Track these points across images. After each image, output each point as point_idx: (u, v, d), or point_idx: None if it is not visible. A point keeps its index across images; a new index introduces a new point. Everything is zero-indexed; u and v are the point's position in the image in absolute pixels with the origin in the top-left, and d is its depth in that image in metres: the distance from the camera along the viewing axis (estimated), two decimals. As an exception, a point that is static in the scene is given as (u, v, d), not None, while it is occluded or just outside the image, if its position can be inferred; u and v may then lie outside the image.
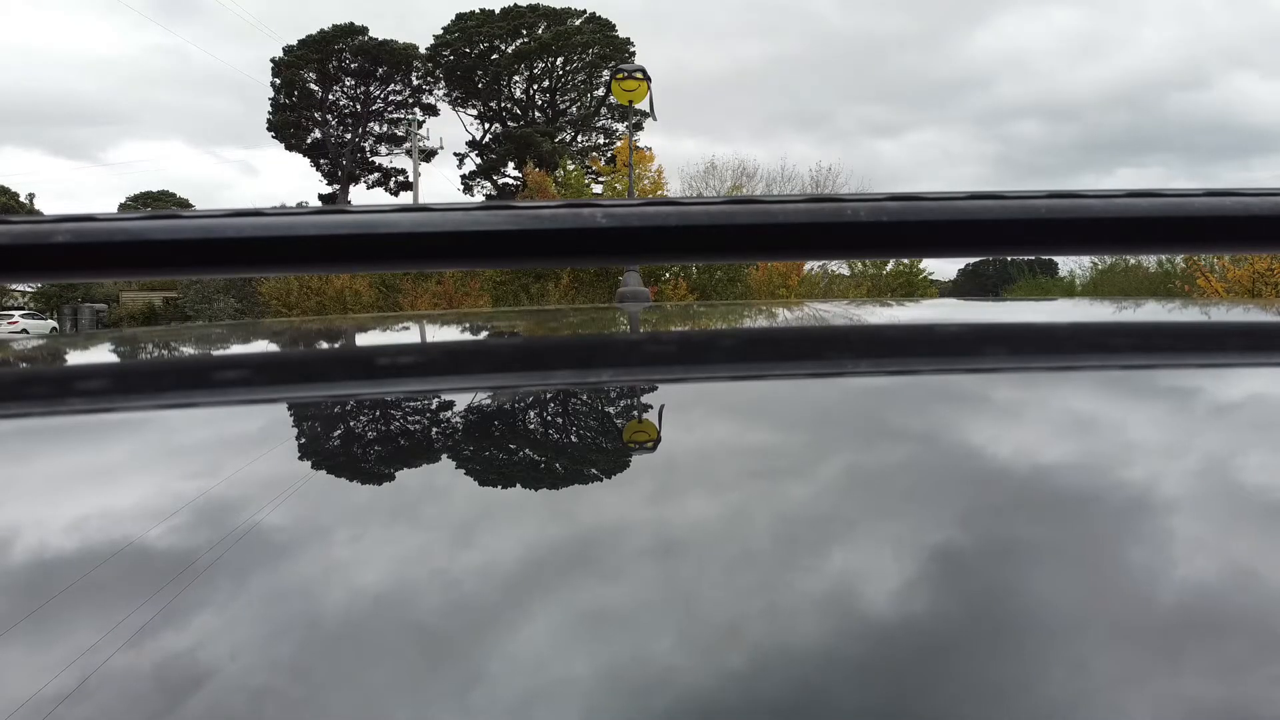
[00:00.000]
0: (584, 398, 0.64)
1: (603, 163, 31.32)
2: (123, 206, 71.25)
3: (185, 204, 70.76)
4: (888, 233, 0.59)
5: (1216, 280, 14.93)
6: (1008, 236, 0.60)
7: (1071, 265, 27.80)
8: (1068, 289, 25.30)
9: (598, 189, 27.05)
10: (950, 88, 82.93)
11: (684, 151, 67.57)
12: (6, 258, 0.55)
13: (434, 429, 0.58)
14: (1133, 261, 22.07)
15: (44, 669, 0.30)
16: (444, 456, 0.53)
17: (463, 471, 0.51)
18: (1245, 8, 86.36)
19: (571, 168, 29.17)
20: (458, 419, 0.59)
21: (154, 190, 69.77)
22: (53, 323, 41.20)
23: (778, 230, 0.58)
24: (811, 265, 26.44)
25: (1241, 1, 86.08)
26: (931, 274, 26.57)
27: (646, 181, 23.95)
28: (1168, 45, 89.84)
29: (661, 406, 0.60)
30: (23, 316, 37.73)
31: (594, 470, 0.52)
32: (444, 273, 20.66)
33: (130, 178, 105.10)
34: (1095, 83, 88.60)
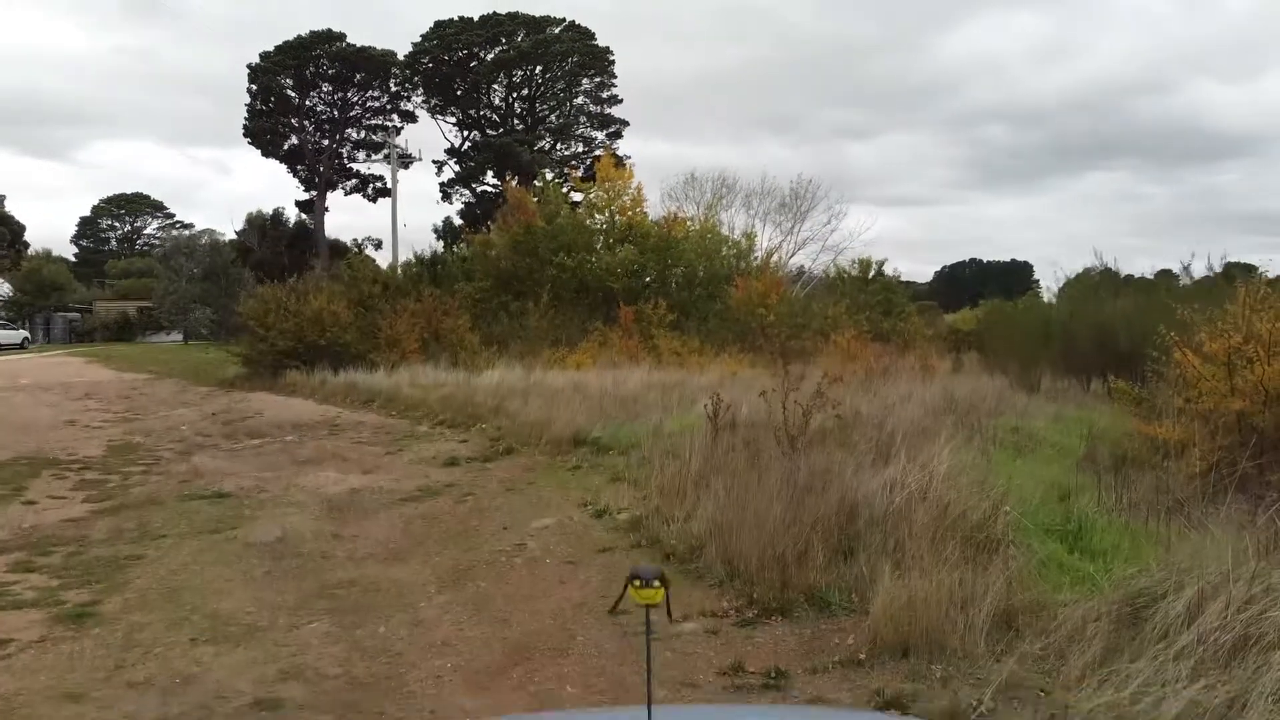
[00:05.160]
0: None
1: (580, 176, 31.27)
2: (96, 209, 70.25)
3: (159, 205, 69.62)
4: None
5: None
6: None
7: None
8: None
9: (577, 198, 26.96)
10: (921, 92, 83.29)
11: (659, 154, 67.44)
12: None
13: None
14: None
15: None
16: None
17: None
18: (1208, 15, 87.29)
19: (550, 177, 29.09)
20: None
21: (128, 192, 68.66)
22: (24, 333, 40.54)
23: None
24: (789, 284, 26.49)
25: (1205, 8, 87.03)
26: (906, 276, 26.68)
27: (626, 199, 23.92)
28: (1134, 51, 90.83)
29: None
30: (-6, 326, 37.23)
31: None
32: (423, 292, 20.44)
33: (104, 176, 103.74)
34: (1063, 88, 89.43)
